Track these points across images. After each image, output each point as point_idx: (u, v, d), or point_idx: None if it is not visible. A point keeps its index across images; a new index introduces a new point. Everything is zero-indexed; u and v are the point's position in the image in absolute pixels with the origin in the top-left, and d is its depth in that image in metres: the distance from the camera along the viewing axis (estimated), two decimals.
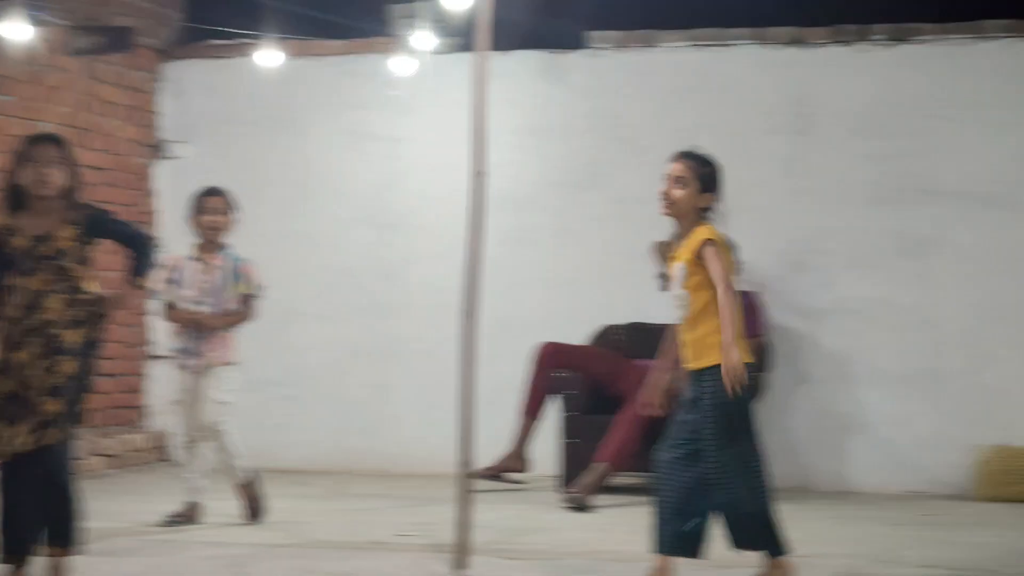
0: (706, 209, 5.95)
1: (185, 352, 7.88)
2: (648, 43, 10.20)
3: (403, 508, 8.56)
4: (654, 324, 9.50)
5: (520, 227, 10.13)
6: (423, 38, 9.84)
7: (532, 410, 9.19)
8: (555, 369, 9.12)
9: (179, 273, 7.82)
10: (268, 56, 10.17)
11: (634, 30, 10.22)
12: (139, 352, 10.72)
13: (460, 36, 10.23)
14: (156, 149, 10.77)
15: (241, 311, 7.86)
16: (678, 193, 5.92)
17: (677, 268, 5.87)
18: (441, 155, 10.24)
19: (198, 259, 7.85)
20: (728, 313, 5.66)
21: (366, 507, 8.59)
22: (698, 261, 5.79)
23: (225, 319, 7.84)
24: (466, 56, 10.04)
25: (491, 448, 8.96)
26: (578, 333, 9.59)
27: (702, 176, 5.95)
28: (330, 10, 10.38)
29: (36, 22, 8.97)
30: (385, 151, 10.48)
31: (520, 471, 9.18)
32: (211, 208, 7.87)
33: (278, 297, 10.44)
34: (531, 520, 8.11)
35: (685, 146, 6.09)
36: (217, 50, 10.77)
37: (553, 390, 9.13)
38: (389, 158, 10.48)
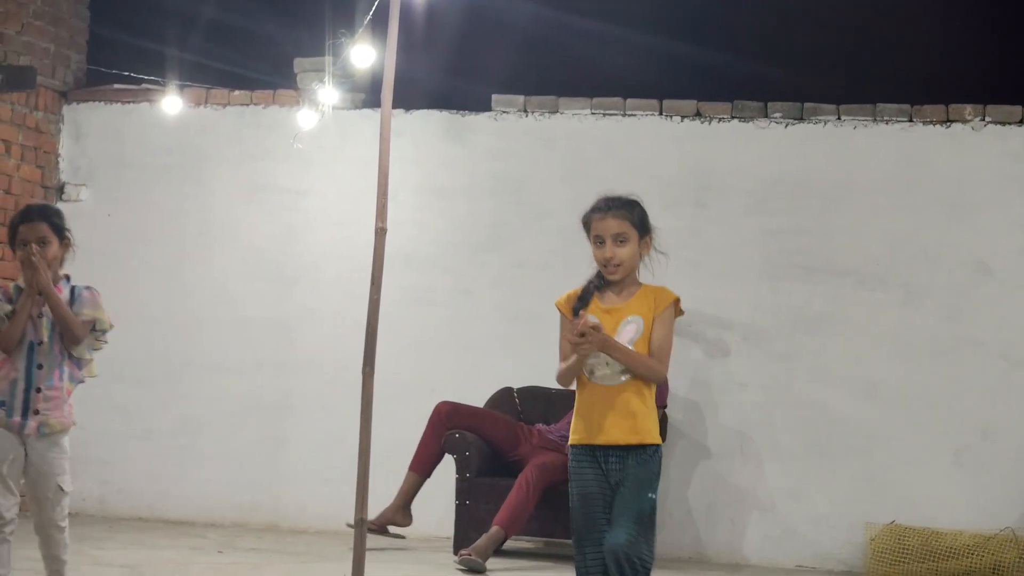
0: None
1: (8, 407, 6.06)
2: (552, 109, 10.27)
3: (295, 564, 8.49)
4: (550, 389, 9.55)
5: (420, 287, 10.12)
6: (328, 93, 9.83)
7: (421, 466, 9.16)
8: (451, 429, 9.11)
9: (11, 301, 6.12)
10: (171, 103, 10.13)
11: (538, 95, 10.28)
12: None
13: (365, 92, 10.27)
14: (55, 191, 10.66)
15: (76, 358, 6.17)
16: (624, 253, 5.32)
17: (629, 323, 5.27)
18: (343, 210, 10.23)
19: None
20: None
21: (257, 561, 8.51)
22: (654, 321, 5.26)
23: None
24: (371, 112, 10.13)
25: (384, 505, 8.94)
26: (475, 395, 9.58)
27: (639, 223, 5.38)
28: (236, 62, 10.37)
29: None
30: (287, 204, 10.45)
31: (404, 525, 9.14)
32: (25, 240, 6.10)
33: (174, 347, 10.38)
34: None
35: (603, 192, 5.54)
36: (120, 94, 10.70)
37: (448, 450, 9.11)
38: (291, 211, 10.44)
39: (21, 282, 6.15)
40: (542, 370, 9.63)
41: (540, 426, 9.30)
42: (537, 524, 8.93)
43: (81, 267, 10.09)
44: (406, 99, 9.49)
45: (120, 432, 10.38)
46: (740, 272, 9.92)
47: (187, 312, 10.37)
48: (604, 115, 10.18)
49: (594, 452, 5.28)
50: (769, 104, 10.00)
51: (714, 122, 10.05)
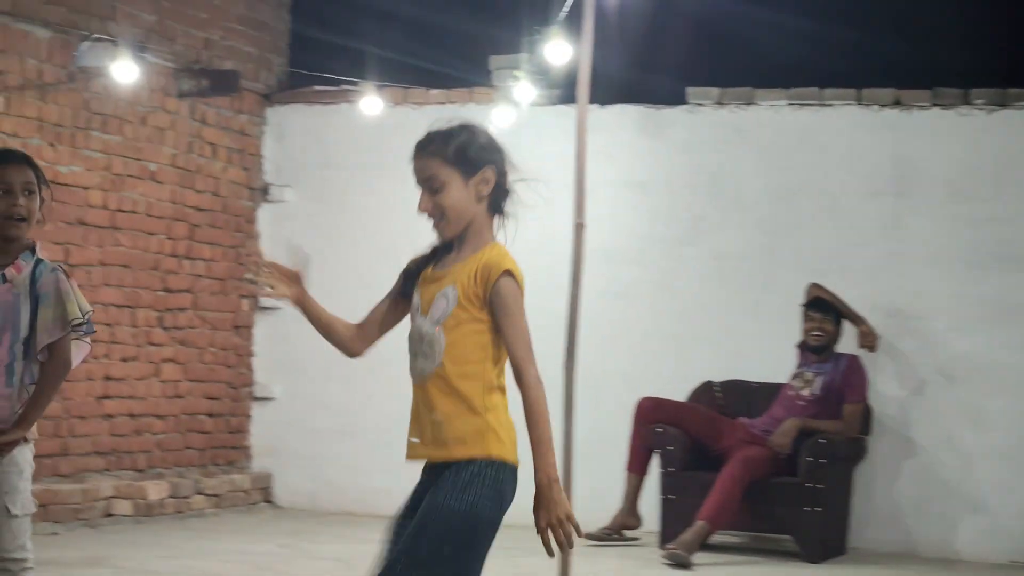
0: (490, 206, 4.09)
1: None
2: (747, 101, 10.21)
3: (503, 558, 8.55)
4: (752, 382, 9.52)
5: (619, 281, 10.13)
6: (524, 90, 9.92)
7: (637, 466, 9.18)
8: (654, 425, 9.12)
9: None
10: (369, 103, 10.29)
11: (734, 87, 10.24)
12: (243, 393, 10.82)
13: (560, 88, 10.31)
14: (260, 192, 10.91)
15: (57, 355, 4.84)
16: (446, 201, 4.02)
17: (440, 297, 4.02)
18: (541, 206, 10.27)
19: None
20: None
21: None
22: (481, 294, 3.98)
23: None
24: (566, 108, 10.18)
25: (589, 500, 8.93)
26: (676, 389, 9.56)
27: (457, 159, 4.02)
28: (432, 59, 10.50)
29: (143, 64, 9.13)
30: None
31: (635, 527, 9.17)
32: (8, 183, 4.82)
33: (378, 344, 10.53)
34: (632, 574, 8.08)
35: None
36: (319, 96, 10.90)
37: (652, 445, 9.12)
38: None
39: None
40: (742, 363, 9.62)
41: (743, 419, 9.27)
42: (743, 518, 8.90)
43: (289, 266, 10.32)
44: (600, 94, 9.50)
45: (328, 429, 10.58)
46: (942, 262, 9.75)
47: None
48: (801, 105, 10.10)
49: None
50: (971, 91, 9.81)
51: (914, 110, 9.90)
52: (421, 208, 4.07)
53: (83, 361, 5.11)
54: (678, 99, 10.33)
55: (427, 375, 3.98)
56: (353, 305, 11.05)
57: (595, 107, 10.09)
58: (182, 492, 9.86)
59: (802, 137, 10.07)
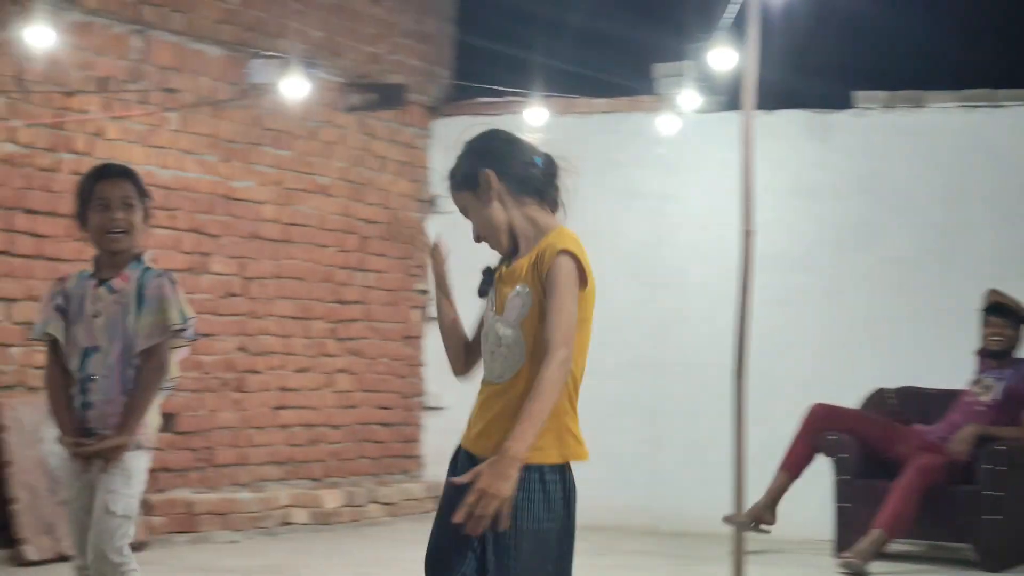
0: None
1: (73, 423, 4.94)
2: (916, 103, 10.08)
3: (675, 566, 8.55)
4: (928, 389, 9.37)
5: (789, 287, 10.06)
6: (689, 97, 9.90)
7: (792, 467, 9.09)
8: (826, 431, 9.01)
9: (70, 298, 4.98)
10: (534, 113, 10.34)
11: (901, 90, 10.12)
12: (414, 403, 10.94)
13: (725, 95, 10.27)
14: (428, 204, 11.02)
15: (154, 357, 4.88)
16: (476, 220, 3.91)
17: (515, 297, 3.86)
18: (708, 214, 10.27)
19: (94, 279, 4.99)
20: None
21: (638, 564, 8.59)
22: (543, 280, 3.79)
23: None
24: (732, 115, 10.12)
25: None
26: (847, 395, 9.44)
27: (462, 180, 3.95)
28: (596, 68, 10.52)
29: (312, 79, 9.28)
30: (652, 209, 10.55)
31: (770, 524, 9.08)
32: (106, 199, 4.94)
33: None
34: None
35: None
36: (484, 107, 10.98)
37: (826, 453, 9.02)
38: (656, 216, 10.55)
39: (89, 267, 5.01)
40: (915, 369, 9.47)
41: (918, 426, 9.13)
42: (920, 526, 8.76)
43: (458, 278, 10.43)
44: (766, 100, 9.45)
45: None
46: None
47: None
48: (973, 107, 9.94)
49: None
50: None
51: None
52: (473, 238, 3.96)
53: (180, 360, 5.11)
54: (844, 103, 10.24)
55: (507, 378, 3.85)
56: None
57: (761, 113, 10.03)
58: (357, 501, 10.00)
59: (974, 139, 9.91)
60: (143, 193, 5.00)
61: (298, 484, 9.82)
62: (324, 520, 9.68)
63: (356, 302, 10.38)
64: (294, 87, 9.20)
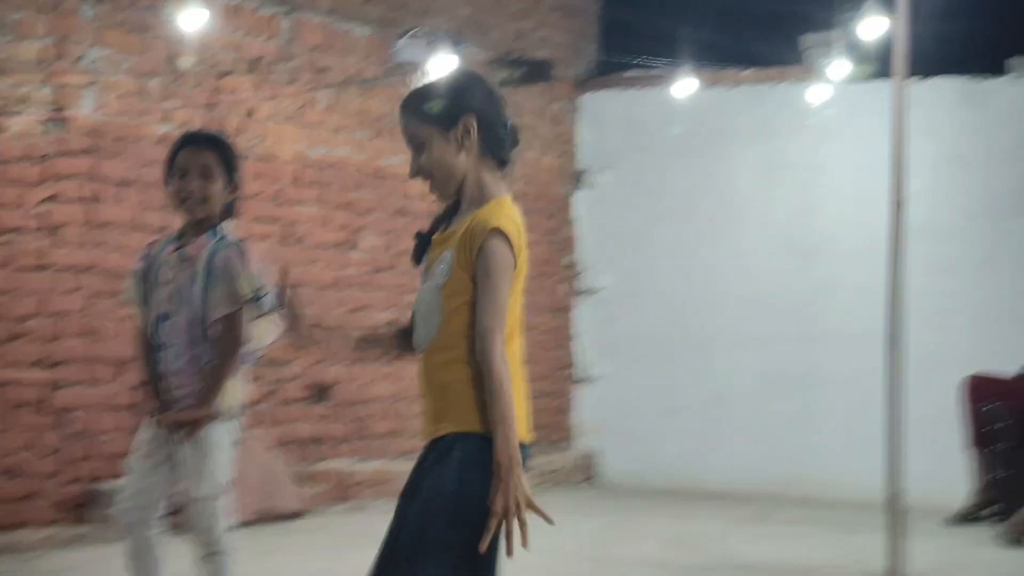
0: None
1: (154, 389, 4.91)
2: None
3: (830, 535, 8.50)
4: None
5: (943, 257, 9.94)
6: (838, 66, 9.80)
7: (980, 441, 8.97)
8: (983, 402, 8.89)
9: (151, 264, 4.94)
10: (682, 86, 10.31)
11: None
12: (565, 374, 10.99)
13: (875, 64, 10.14)
14: (576, 178, 11.04)
15: (228, 330, 4.79)
16: (427, 162, 3.62)
17: (440, 263, 3.61)
18: (858, 184, 10.17)
19: (174, 245, 4.92)
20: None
21: (792, 533, 8.56)
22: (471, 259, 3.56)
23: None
24: (882, 84, 10.00)
25: (923, 479, 8.76)
26: (1007, 365, 9.28)
27: (435, 116, 3.59)
28: (743, 39, 10.45)
29: (459, 56, 9.33)
30: (801, 179, 10.48)
31: (995, 502, 8.93)
32: (184, 167, 4.88)
33: (697, 324, 10.59)
34: (964, 553, 7.91)
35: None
36: (631, 80, 10.97)
37: (984, 422, 8.90)
38: (805, 186, 10.47)
39: (175, 232, 4.93)
40: None
41: None
42: None
43: (607, 250, 10.64)
44: (917, 67, 9.32)
45: (652, 408, 10.67)
46: None
47: (708, 289, 10.55)
48: None
49: None
50: None
51: None
52: (410, 172, 3.66)
53: (274, 341, 4.91)
54: (997, 70, 10.06)
55: (423, 348, 3.62)
56: (669, 284, 11.16)
57: (912, 81, 9.91)
58: None
59: None
60: (230, 163, 4.88)
61: None
62: None
63: None
64: (441, 64, 9.25)
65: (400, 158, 9.60)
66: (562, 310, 10.97)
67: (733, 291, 10.54)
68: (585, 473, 10.82)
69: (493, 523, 3.45)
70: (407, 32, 9.46)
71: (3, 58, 7.44)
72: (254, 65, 8.63)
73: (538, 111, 10.74)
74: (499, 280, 3.50)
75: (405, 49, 9.49)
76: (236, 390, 4.82)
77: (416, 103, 3.60)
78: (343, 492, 8.89)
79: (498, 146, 3.62)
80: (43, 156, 7.54)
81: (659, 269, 10.71)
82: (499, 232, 3.50)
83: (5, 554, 7.07)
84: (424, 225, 3.69)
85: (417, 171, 3.63)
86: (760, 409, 10.46)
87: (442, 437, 3.53)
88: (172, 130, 8.16)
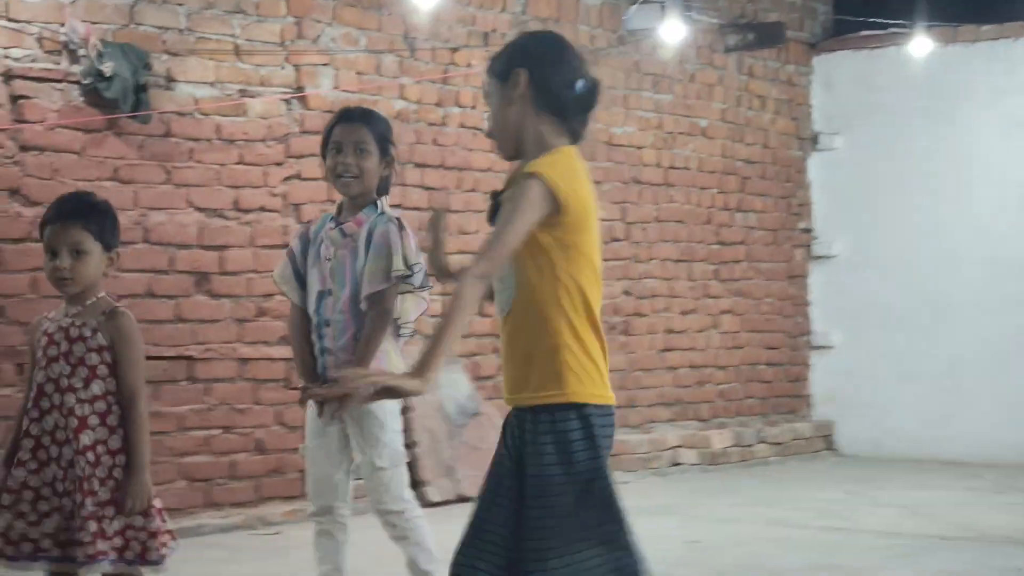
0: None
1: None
2: None
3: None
4: None
5: None
6: None
7: None
8: None
9: (310, 242, 4.95)
10: (918, 45, 10.11)
11: None
12: (801, 342, 10.89)
13: None
14: (809, 142, 10.92)
15: (378, 303, 4.72)
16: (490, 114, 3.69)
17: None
18: None
19: (334, 222, 4.90)
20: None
21: None
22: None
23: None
24: None
25: None
26: None
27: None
28: None
29: (689, 22, 9.30)
30: None
31: None
32: (339, 142, 4.87)
33: (934, 288, 10.39)
34: None
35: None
36: (866, 41, 10.79)
37: None
38: None
39: (333, 210, 4.92)
40: None
41: None
42: None
43: (841, 215, 10.48)
44: None
45: (888, 375, 10.50)
46: None
47: (945, 252, 10.32)
48: None
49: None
50: None
51: None
52: (487, 133, 3.70)
53: (420, 315, 4.89)
54: None
55: (504, 313, 3.52)
56: (905, 248, 10.96)
57: None
58: (745, 441, 10.04)
59: None
60: (384, 139, 4.85)
61: (687, 425, 9.92)
62: (713, 460, 9.75)
63: (738, 243, 10.38)
64: (671, 31, 9.24)
65: (632, 127, 9.62)
66: (797, 277, 10.87)
67: (970, 254, 10.29)
68: (824, 443, 10.71)
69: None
70: (637, 1, 9.46)
71: (246, 39, 7.64)
72: (487, 38, 8.72)
73: (771, 74, 10.65)
74: (511, 214, 3.37)
75: (636, 17, 9.50)
76: (396, 363, 4.74)
77: (489, 61, 3.60)
78: None
79: (557, 102, 3.52)
80: (285, 135, 7.74)
81: (894, 233, 10.53)
82: (534, 175, 3.39)
83: (252, 527, 7.30)
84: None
85: (489, 131, 3.63)
86: (999, 375, 10.21)
87: (530, 409, 3.45)
88: (408, 107, 8.31)
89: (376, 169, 4.80)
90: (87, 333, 4.16)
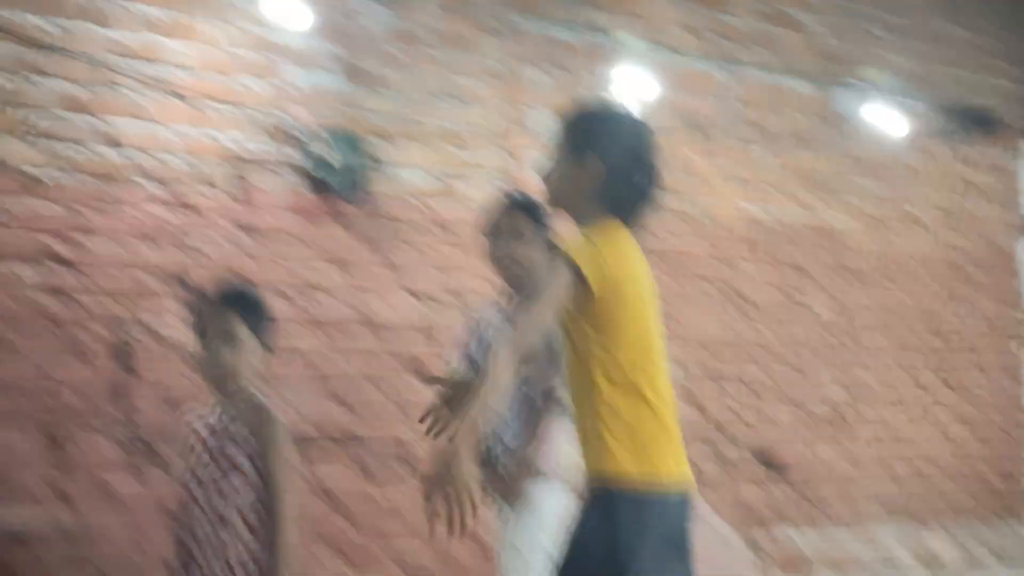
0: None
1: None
2: None
3: None
4: None
5: None
6: None
7: None
8: None
9: (483, 333, 4.89)
10: None
11: None
12: (1016, 438, 10.49)
13: None
14: (1020, 228, 10.62)
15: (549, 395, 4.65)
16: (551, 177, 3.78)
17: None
18: None
19: (502, 308, 4.89)
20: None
21: None
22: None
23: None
24: None
25: None
26: None
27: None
28: None
29: (900, 107, 9.10)
30: None
31: None
32: (499, 227, 4.84)
33: None
34: None
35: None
36: None
37: None
38: None
39: (500, 296, 4.85)
40: None
41: None
42: None
43: None
44: None
45: None
46: None
47: None
48: None
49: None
50: None
51: None
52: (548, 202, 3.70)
53: None
54: None
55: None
56: None
57: None
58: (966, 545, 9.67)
59: None
60: (541, 223, 4.78)
61: (903, 524, 9.58)
62: (932, 562, 9.40)
63: (954, 332, 10.06)
64: (882, 116, 9.05)
65: (844, 215, 9.38)
66: (1011, 368, 10.49)
67: None
68: None
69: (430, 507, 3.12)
70: (846, 84, 9.28)
71: (466, 123, 7.62)
72: (692, 122, 8.59)
73: (981, 160, 10.36)
74: (541, 294, 3.28)
75: (844, 102, 9.33)
76: (565, 452, 4.56)
77: (569, 122, 3.56)
78: (791, 562, 8.67)
79: (617, 203, 3.47)
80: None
81: None
82: (564, 256, 3.33)
83: None
84: None
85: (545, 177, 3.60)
86: None
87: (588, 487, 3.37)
88: None
89: (537, 257, 4.73)
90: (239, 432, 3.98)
